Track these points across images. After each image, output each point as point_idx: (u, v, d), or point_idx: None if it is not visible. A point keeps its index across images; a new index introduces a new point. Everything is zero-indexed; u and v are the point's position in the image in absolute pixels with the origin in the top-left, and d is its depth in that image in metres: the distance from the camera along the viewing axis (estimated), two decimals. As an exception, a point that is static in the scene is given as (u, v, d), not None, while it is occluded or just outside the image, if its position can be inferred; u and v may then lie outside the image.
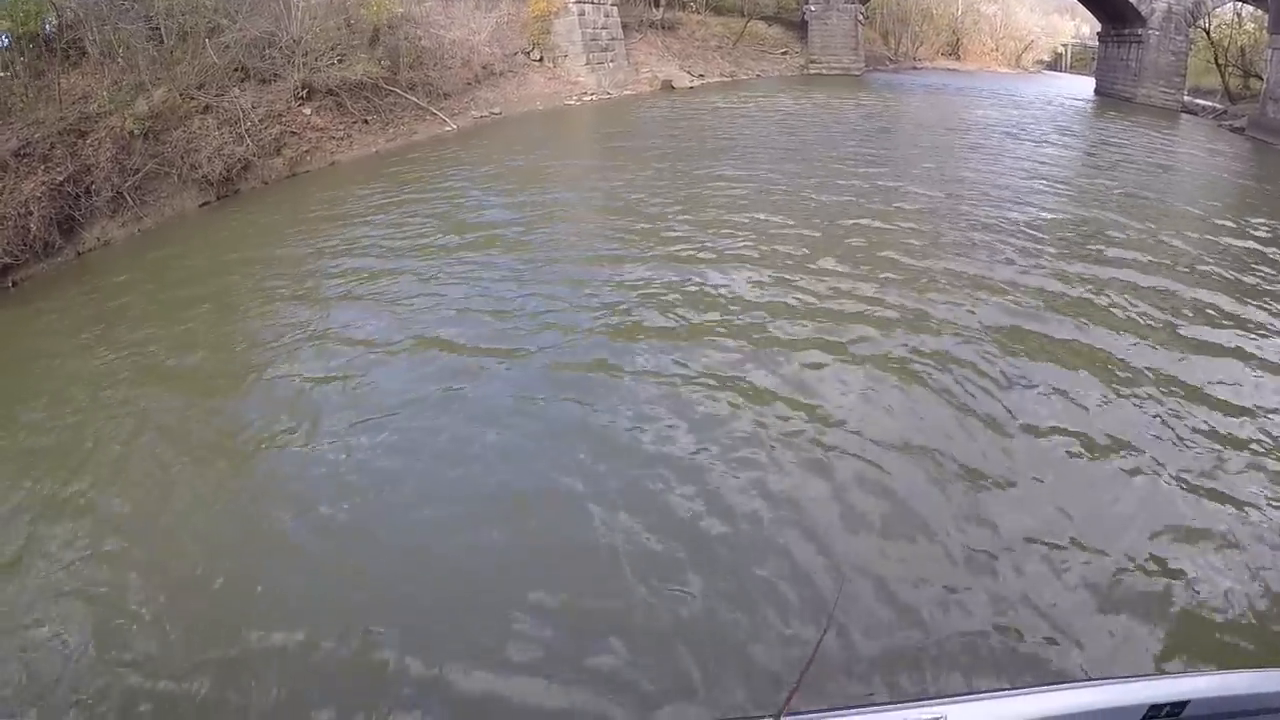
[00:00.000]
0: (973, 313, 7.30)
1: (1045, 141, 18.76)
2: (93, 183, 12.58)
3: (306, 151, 16.04)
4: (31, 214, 11.35)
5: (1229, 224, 11.40)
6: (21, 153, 12.09)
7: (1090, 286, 8.07)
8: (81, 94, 13.78)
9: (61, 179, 12.14)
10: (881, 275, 8.27)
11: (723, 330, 7.10)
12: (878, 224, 10.18)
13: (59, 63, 14.27)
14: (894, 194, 11.89)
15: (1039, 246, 9.47)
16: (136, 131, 13.24)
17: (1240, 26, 36.87)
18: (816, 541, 4.41)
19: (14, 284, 10.84)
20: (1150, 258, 9.20)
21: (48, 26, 14.52)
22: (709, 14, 41.64)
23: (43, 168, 12.06)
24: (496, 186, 13.21)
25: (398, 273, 9.05)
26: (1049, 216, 10.86)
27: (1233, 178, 16.54)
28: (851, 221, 10.27)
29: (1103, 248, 9.52)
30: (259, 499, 5.05)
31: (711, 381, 6.11)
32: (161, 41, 15.45)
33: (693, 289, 8.00)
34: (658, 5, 35.38)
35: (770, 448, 5.27)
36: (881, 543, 4.45)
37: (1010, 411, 5.68)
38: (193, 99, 14.54)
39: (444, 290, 8.29)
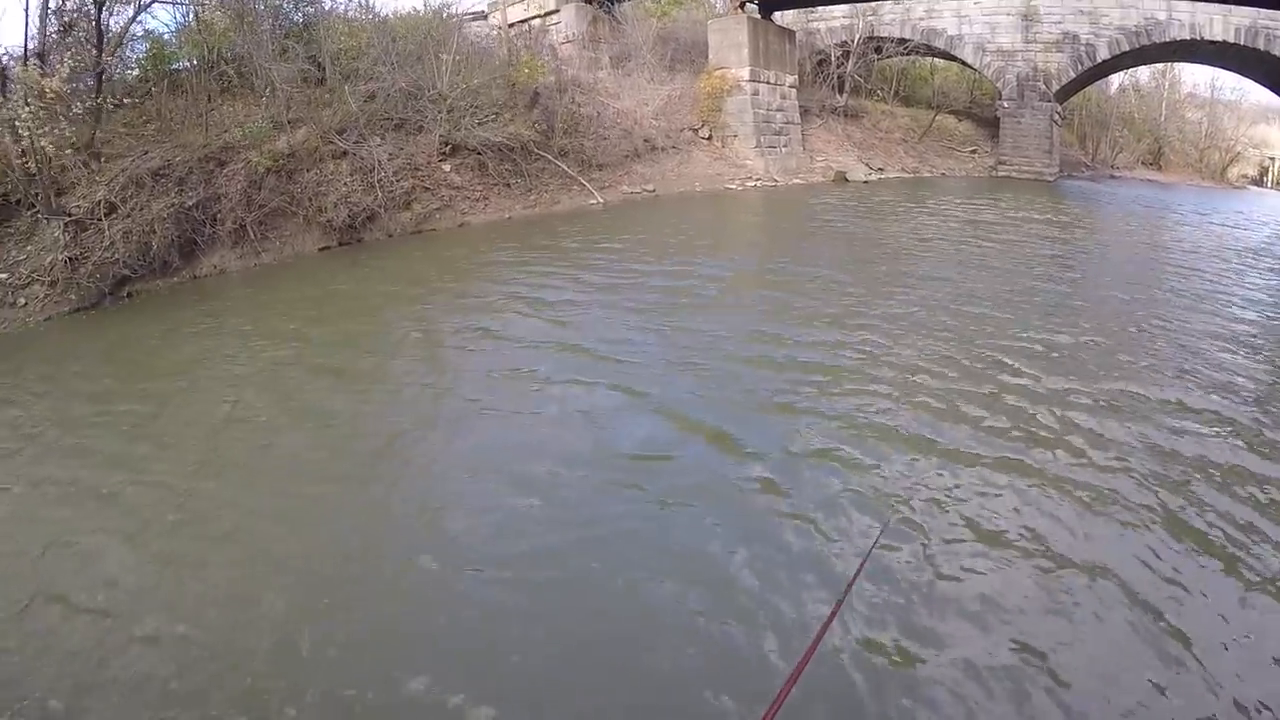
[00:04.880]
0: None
1: (1265, 270, 15.62)
2: (219, 212, 12.88)
3: (437, 209, 15.94)
4: (155, 233, 11.73)
5: None
6: (160, 173, 12.45)
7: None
8: (232, 124, 14.21)
9: (192, 204, 12.49)
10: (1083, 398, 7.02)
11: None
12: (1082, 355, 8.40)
13: (220, 92, 14.92)
14: (1087, 325, 10.00)
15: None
16: (270, 168, 13.46)
17: None
18: None
19: (129, 295, 11.51)
20: None
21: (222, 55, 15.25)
22: (897, 104, 40.61)
23: (176, 190, 12.41)
24: (647, 268, 12.14)
25: (541, 336, 8.59)
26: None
27: None
28: (1045, 348, 8.63)
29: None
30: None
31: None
32: (322, 82, 15.96)
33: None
34: (842, 91, 34.55)
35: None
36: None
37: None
38: (331, 143, 14.74)
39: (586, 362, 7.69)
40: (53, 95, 10.92)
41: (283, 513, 5.03)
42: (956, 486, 5.32)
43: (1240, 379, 7.79)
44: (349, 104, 15.52)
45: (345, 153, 14.81)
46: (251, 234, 13.05)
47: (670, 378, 7.26)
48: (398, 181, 15.25)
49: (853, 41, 34.95)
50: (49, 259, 10.67)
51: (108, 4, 12.81)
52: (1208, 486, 5.34)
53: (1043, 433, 6.16)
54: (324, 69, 16.18)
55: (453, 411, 6.66)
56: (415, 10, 20.95)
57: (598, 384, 7.02)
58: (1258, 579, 4.42)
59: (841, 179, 28.88)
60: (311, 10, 17.66)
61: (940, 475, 5.49)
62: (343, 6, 18.67)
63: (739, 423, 6.20)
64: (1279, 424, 6.57)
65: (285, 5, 17.20)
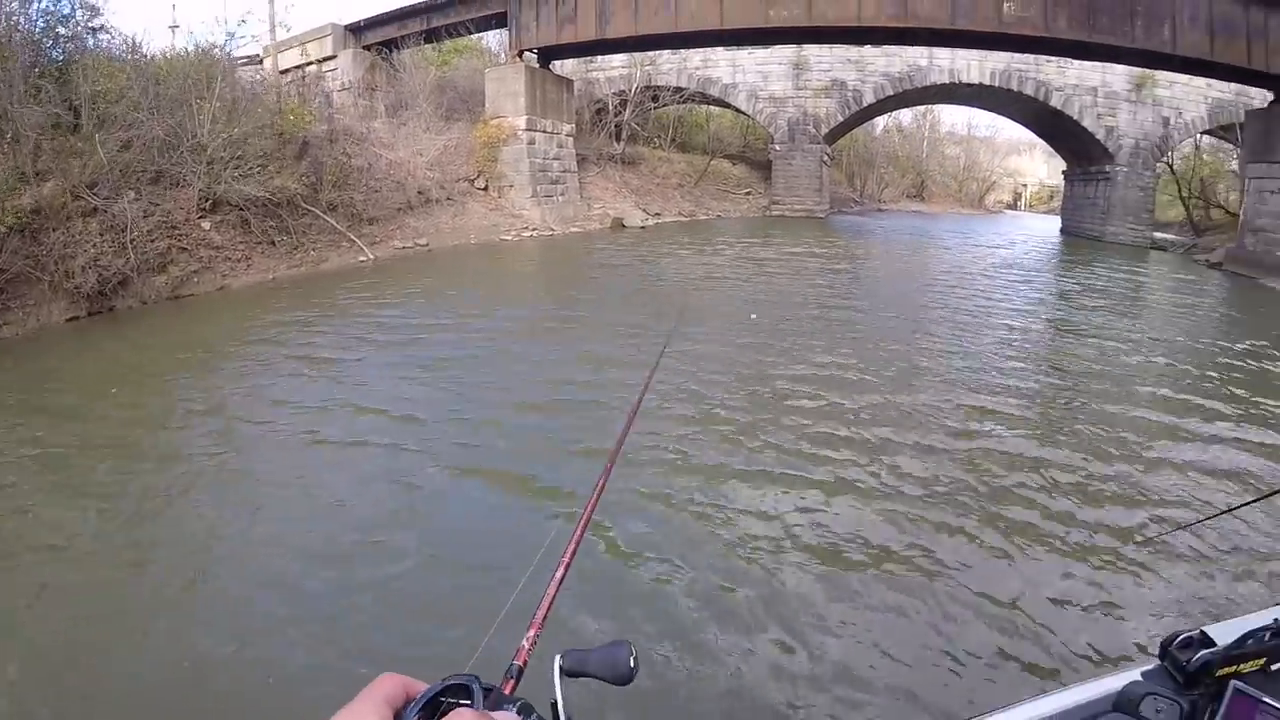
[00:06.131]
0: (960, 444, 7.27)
1: (1025, 282, 19.16)
2: (-46, 279, 12.11)
3: (195, 272, 15.54)
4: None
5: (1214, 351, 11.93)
6: (-111, 233, 11.67)
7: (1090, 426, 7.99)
8: (-25, 176, 13.38)
9: (-73, 269, 11.70)
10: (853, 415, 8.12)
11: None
12: (850, 374, 9.58)
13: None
14: (867, 345, 11.40)
15: (1026, 400, 9.08)
16: (12, 226, 12.81)
17: (1200, 158, 39.60)
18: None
19: None
20: (1167, 393, 9.39)
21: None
22: (673, 150, 43.19)
23: (-91, 253, 11.62)
24: (426, 323, 12.43)
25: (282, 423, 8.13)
26: (1036, 376, 10.27)
27: (1222, 313, 16.91)
28: (813, 371, 9.69)
29: (1110, 387, 9.52)
30: None
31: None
32: (76, 129, 15.32)
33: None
34: (619, 139, 36.31)
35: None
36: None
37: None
38: (80, 199, 14.16)
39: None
40: None
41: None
42: (759, 506, 5.89)
43: (1015, 381, 9.48)
44: (100, 154, 14.94)
45: (96, 209, 14.26)
46: (-10, 304, 12.41)
47: (457, 432, 7.47)
48: (152, 242, 14.83)
49: (630, 90, 37.03)
50: None
51: None
52: (1005, 476, 6.45)
53: (838, 450, 6.95)
54: (80, 114, 15.40)
55: (246, 487, 6.42)
56: (185, 50, 20.39)
57: (388, 447, 7.12)
58: (1062, 549, 5.32)
59: (619, 225, 30.60)
60: (73, 47, 16.66)
61: (742, 497, 6.05)
62: (106, 43, 17.68)
63: (535, 469, 6.57)
64: (1056, 416, 8.19)
65: (45, 40, 16.18)
